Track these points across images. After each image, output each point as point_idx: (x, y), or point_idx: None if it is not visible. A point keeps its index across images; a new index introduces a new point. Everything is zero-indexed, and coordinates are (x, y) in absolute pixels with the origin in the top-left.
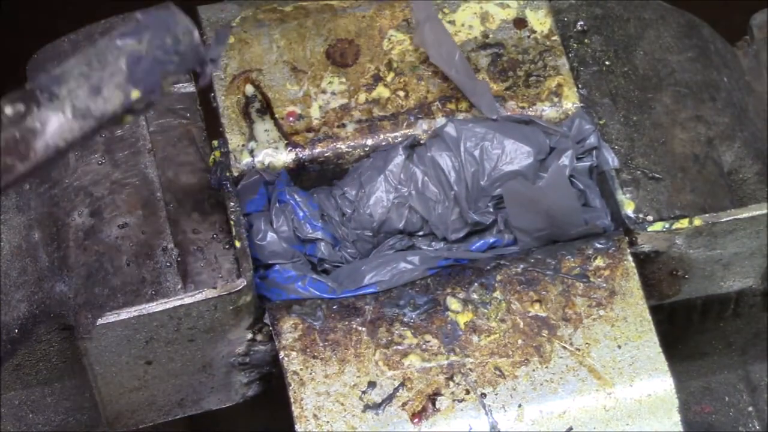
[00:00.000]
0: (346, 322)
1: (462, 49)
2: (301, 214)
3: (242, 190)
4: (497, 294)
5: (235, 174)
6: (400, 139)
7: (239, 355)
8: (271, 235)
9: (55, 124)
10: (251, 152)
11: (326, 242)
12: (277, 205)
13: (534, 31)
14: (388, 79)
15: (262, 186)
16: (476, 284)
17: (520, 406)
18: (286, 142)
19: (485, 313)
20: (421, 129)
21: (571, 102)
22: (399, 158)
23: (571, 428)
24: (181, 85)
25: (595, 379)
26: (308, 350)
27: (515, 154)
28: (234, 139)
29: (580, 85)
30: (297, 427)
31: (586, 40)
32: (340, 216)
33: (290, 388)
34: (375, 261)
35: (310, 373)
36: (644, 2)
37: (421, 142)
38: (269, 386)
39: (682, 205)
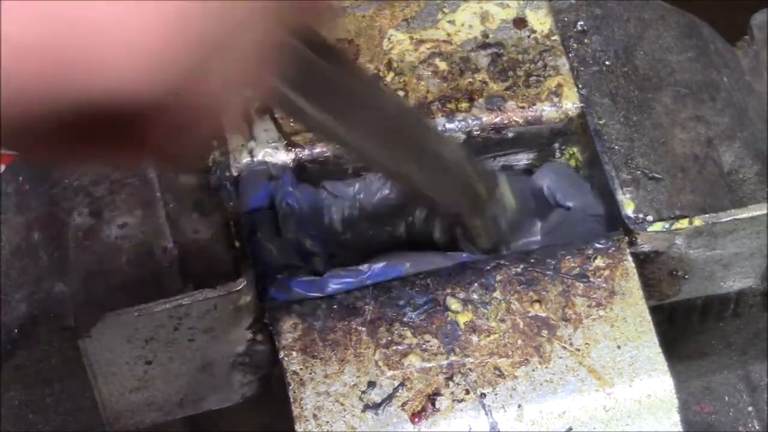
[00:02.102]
0: (346, 322)
1: (462, 49)
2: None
3: (245, 183)
4: (497, 294)
5: (235, 174)
6: None
7: (239, 355)
8: (278, 245)
9: None
10: (251, 152)
11: (321, 258)
12: (284, 204)
13: (534, 31)
14: (388, 79)
15: (265, 180)
16: (476, 284)
17: (519, 406)
18: (285, 142)
19: (485, 313)
20: None
21: (571, 102)
22: None
23: (570, 428)
24: None
25: (594, 379)
26: (308, 350)
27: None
28: (234, 139)
29: (580, 85)
30: (297, 426)
31: (586, 40)
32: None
33: (290, 387)
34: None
35: (310, 373)
36: (644, 2)
37: None
38: (269, 386)
39: (682, 205)
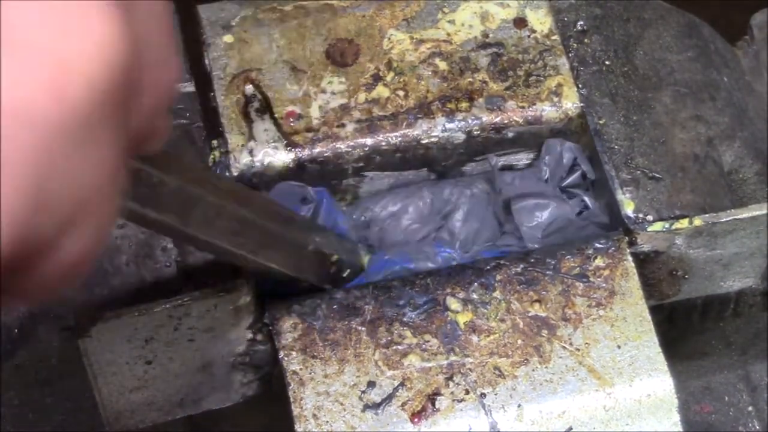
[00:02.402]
0: (346, 322)
1: (462, 48)
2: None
3: (277, 194)
4: (497, 294)
5: (235, 174)
6: (399, 138)
7: (239, 355)
8: None
9: None
10: (251, 152)
11: None
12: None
13: (534, 31)
14: (388, 78)
15: (297, 203)
16: (476, 284)
17: (519, 406)
18: (285, 142)
19: (485, 313)
20: (421, 129)
21: (571, 102)
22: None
23: (570, 428)
24: (181, 84)
25: (594, 379)
26: (308, 350)
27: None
28: (233, 139)
29: (580, 85)
30: (297, 426)
31: (586, 40)
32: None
33: (290, 387)
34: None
35: (310, 373)
36: (644, 2)
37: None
38: (269, 386)
39: (682, 205)
